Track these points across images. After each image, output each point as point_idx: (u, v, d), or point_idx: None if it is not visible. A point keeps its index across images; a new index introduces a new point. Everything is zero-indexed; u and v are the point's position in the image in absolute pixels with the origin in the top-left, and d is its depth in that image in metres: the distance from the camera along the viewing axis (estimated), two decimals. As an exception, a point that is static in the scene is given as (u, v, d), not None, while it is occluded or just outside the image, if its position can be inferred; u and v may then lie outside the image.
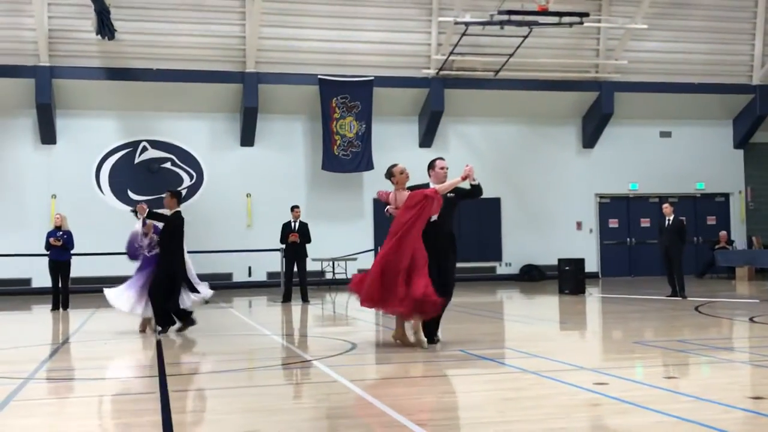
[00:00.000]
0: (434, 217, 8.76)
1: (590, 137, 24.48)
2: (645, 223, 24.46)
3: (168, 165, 22.57)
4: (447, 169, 9.17)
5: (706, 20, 23.94)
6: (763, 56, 24.36)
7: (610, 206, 24.93)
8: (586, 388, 6.17)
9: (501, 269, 24.10)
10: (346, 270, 22.02)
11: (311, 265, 19.33)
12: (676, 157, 24.84)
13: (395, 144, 23.35)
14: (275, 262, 20.16)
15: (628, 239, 24.92)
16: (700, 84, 24.24)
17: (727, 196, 25.64)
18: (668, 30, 23.84)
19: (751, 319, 11.65)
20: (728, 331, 11.17)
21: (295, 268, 16.37)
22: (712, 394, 5.90)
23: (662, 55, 24.02)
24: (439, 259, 8.70)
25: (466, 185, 9.08)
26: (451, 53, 22.25)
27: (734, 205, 25.65)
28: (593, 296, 17.28)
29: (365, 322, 12.90)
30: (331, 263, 22.01)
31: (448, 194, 8.84)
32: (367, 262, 21.87)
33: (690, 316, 12.35)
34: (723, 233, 24.27)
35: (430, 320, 8.75)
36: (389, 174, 9.12)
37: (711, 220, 25.42)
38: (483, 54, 22.68)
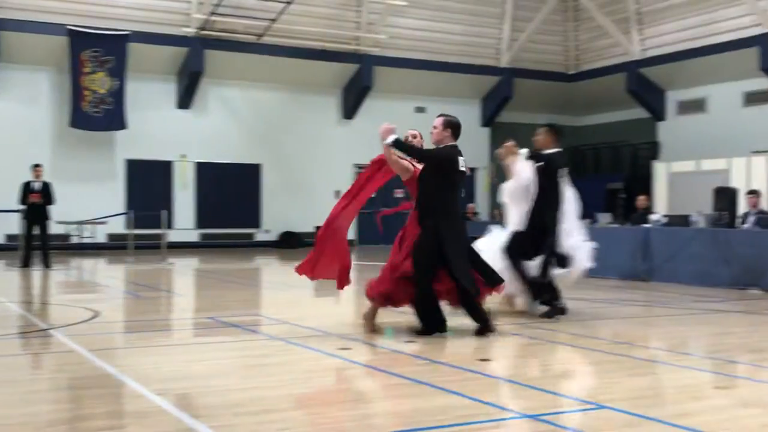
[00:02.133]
0: None
1: (350, 108, 24.93)
2: (399, 193, 25.36)
3: None
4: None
5: (460, 2, 25.10)
6: (510, 40, 25.99)
7: (367, 176, 25.58)
8: (330, 353, 6.28)
9: (260, 236, 24.03)
10: (95, 234, 20.95)
11: (56, 228, 18.19)
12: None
13: (151, 103, 22.45)
14: (14, 224, 18.70)
15: (384, 208, 25.72)
16: (453, 63, 25.41)
17: (473, 170, 27.22)
18: (426, 9, 24.74)
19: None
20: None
21: (37, 231, 15.29)
22: (446, 357, 6.22)
23: (420, 32, 24.91)
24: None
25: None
26: (213, 13, 21.69)
27: (480, 180, 27.29)
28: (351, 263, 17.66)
29: (113, 289, 12.35)
30: (78, 227, 20.81)
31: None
32: (117, 226, 20.94)
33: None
34: (471, 205, 25.77)
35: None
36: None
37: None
38: (246, 17, 22.31)
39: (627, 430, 4.24)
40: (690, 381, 5.58)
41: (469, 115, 26.76)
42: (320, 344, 6.69)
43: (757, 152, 19.83)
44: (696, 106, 23.63)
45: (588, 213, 16.20)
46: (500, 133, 27.20)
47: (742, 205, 13.23)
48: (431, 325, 7.08)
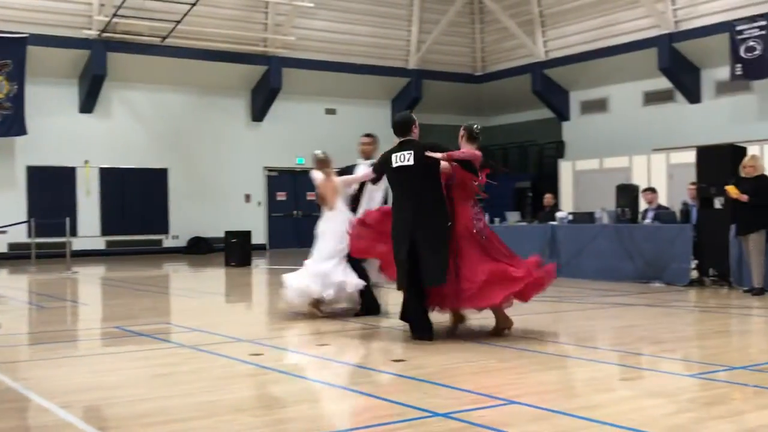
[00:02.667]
0: None
1: (259, 111, 24.69)
2: (311, 196, 25.25)
3: None
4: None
5: (367, 4, 25.16)
6: (418, 42, 26.21)
7: (278, 179, 25.43)
8: (242, 360, 6.20)
9: (168, 242, 23.55)
10: (-6, 244, 20.18)
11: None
12: (341, 134, 25.85)
13: (53, 108, 21.73)
14: None
15: (295, 212, 25.62)
16: (362, 65, 25.46)
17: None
18: (334, 10, 24.72)
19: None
20: (382, 299, 11.88)
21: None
22: (359, 359, 6.22)
23: (328, 34, 24.86)
24: None
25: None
26: (115, 15, 21.16)
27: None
28: (260, 268, 17.52)
29: (15, 300, 11.90)
30: (-24, 236, 20.00)
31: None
32: (19, 235, 20.21)
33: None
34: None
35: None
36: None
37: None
38: (150, 18, 21.85)
39: (536, 424, 4.32)
40: (597, 374, 5.73)
41: (380, 116, 26.85)
42: (231, 351, 6.60)
43: (657, 150, 20.54)
44: (598, 105, 24.30)
45: (497, 212, 16.53)
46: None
47: (643, 202, 13.68)
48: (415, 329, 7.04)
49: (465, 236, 7.01)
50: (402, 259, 6.91)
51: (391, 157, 7.13)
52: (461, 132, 7.42)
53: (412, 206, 6.95)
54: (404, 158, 7.03)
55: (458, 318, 7.47)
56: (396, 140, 7.30)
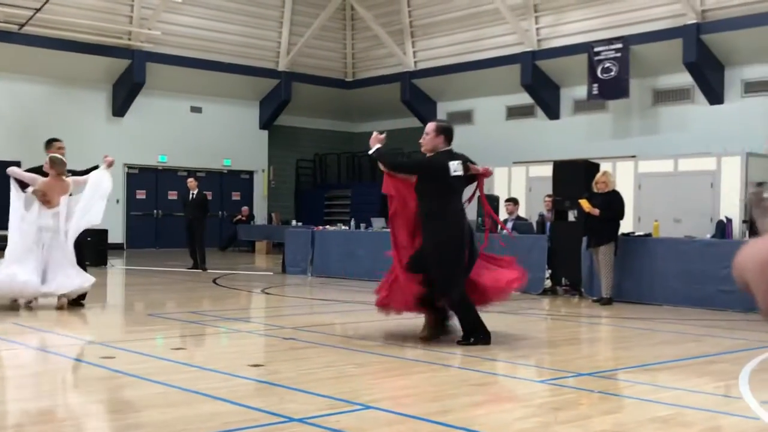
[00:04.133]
0: None
1: (121, 105, 23.89)
2: (173, 195, 24.64)
3: None
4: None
5: (239, 3, 24.83)
6: (289, 44, 26.07)
7: (139, 177, 24.68)
8: (93, 363, 5.95)
9: (18, 238, 22.37)
10: None
11: None
12: (206, 133, 25.43)
13: None
14: None
15: (156, 211, 24.93)
16: (230, 64, 25.08)
17: (251, 173, 27.02)
18: (203, 7, 24.24)
19: (263, 291, 12.40)
20: (244, 302, 11.75)
21: None
22: (215, 363, 6.09)
23: (196, 30, 24.35)
24: None
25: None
26: (-32, -2, 20.00)
27: (257, 183, 27.14)
28: (116, 268, 16.93)
29: None
30: None
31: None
32: None
33: (209, 288, 12.73)
34: (245, 208, 25.54)
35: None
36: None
37: (236, 196, 26.57)
38: (7, 4, 20.75)
39: (390, 428, 4.35)
40: (450, 379, 5.84)
41: (247, 117, 26.58)
42: (81, 353, 6.33)
43: (517, 162, 21.23)
44: (464, 117, 24.89)
45: (364, 217, 16.64)
46: (278, 135, 27.31)
47: (503, 212, 14.08)
48: (479, 331, 6.96)
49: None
50: (465, 267, 6.96)
51: (449, 165, 6.95)
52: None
53: (462, 215, 7.04)
54: (458, 168, 6.99)
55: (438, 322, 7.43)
56: (441, 147, 7.04)
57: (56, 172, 9.46)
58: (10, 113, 22.04)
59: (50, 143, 10.25)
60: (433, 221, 6.91)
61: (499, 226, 10.46)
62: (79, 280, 9.28)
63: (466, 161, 7.10)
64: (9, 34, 21.23)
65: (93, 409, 4.82)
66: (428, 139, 7.04)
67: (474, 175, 7.21)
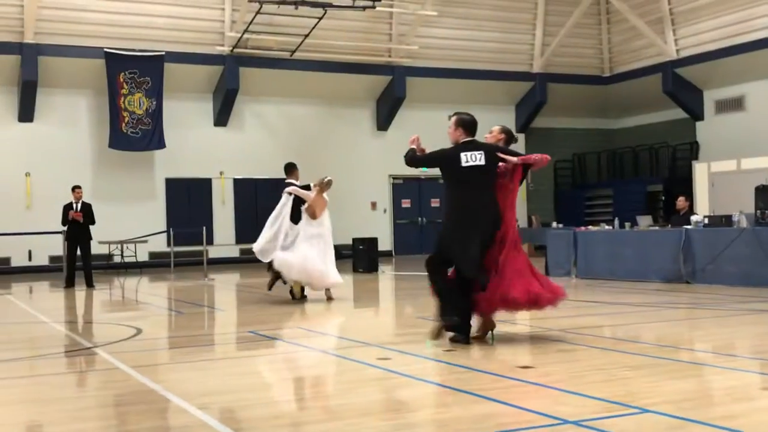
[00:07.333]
0: None
1: (384, 120, 25.00)
2: (435, 203, 25.35)
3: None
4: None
5: (491, 9, 25.06)
6: (543, 45, 25.87)
7: (403, 187, 25.64)
8: (371, 364, 6.28)
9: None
10: (135, 253, 21.21)
11: (98, 248, 18.44)
12: (465, 140, 25.88)
13: (189, 122, 22.74)
14: (57, 246, 19.03)
15: (420, 219, 25.76)
16: (485, 71, 25.36)
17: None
18: (456, 18, 24.74)
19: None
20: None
21: (79, 252, 15.54)
22: (486, 365, 6.19)
23: (451, 41, 24.90)
24: None
25: None
26: (246, 31, 21.91)
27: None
28: (386, 274, 17.70)
29: (155, 306, 12.50)
30: (119, 246, 21.10)
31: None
32: (158, 244, 21.20)
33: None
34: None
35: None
36: None
37: (496, 200, 26.72)
38: (279, 33, 22.51)
39: (671, 434, 4.18)
40: (735, 383, 5.49)
41: (504, 121, 26.16)
42: (360, 355, 6.70)
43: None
44: (734, 104, 23.30)
45: (628, 216, 16.08)
46: (535, 138, 27.13)
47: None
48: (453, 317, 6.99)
49: (513, 243, 7.09)
50: (475, 256, 6.94)
51: (460, 156, 7.11)
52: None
53: (479, 206, 7.04)
54: (475, 158, 7.09)
55: (488, 326, 7.32)
56: (462, 139, 7.21)
57: (322, 191, 11.67)
58: (285, 134, 23.84)
59: (294, 168, 13.01)
60: (446, 208, 7.45)
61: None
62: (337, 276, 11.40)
63: (493, 151, 7.12)
64: (282, 61, 23.00)
65: (372, 408, 5.09)
66: (450, 132, 7.36)
67: (523, 164, 7.16)
